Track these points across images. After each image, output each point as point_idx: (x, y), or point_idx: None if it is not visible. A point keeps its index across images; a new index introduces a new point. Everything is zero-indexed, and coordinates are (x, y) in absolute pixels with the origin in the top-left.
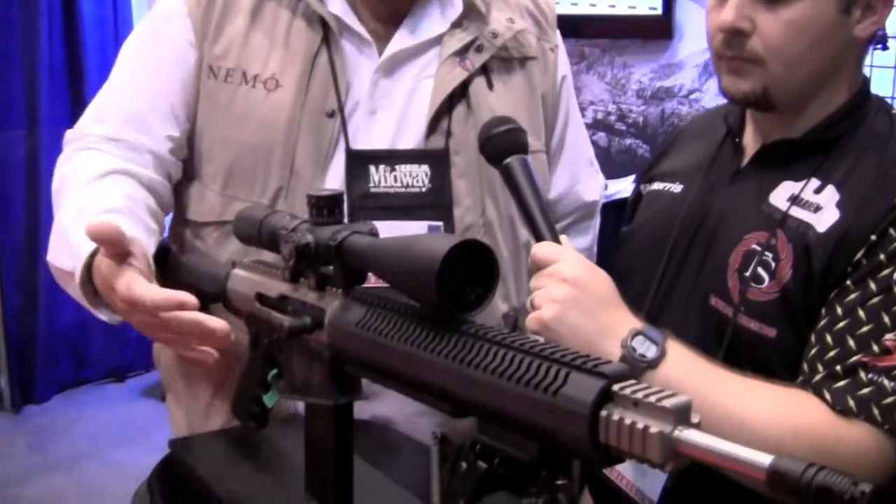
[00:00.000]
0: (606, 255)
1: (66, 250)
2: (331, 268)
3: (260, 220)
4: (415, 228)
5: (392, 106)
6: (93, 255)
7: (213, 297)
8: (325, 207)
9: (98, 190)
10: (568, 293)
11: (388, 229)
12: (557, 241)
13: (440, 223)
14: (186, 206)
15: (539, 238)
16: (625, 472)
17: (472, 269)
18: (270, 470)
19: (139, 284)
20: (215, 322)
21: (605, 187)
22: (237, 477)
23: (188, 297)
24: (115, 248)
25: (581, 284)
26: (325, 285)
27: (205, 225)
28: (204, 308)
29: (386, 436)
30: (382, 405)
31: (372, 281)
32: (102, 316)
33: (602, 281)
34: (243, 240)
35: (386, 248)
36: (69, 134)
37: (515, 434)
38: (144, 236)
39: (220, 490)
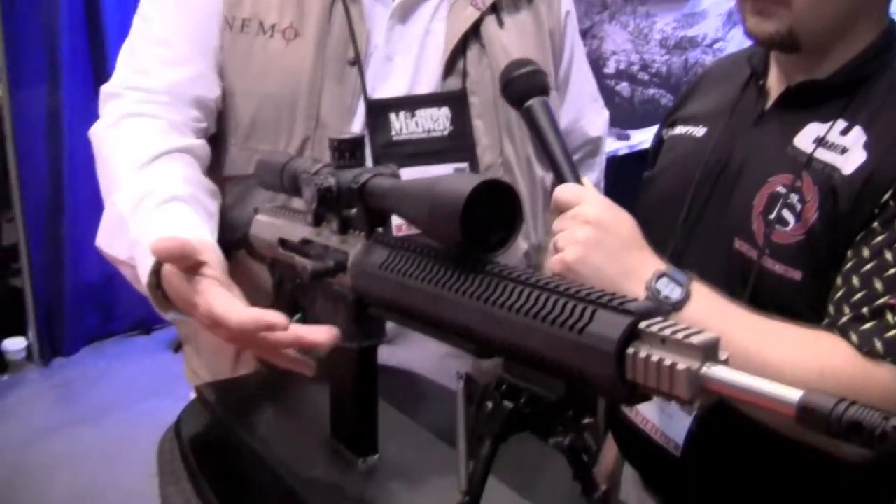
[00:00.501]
0: (630, 208)
1: (124, 240)
2: (353, 211)
3: (282, 165)
4: (440, 173)
5: (408, 51)
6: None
7: (235, 243)
8: (346, 150)
9: (156, 174)
10: (591, 235)
11: (414, 176)
12: (580, 182)
13: (465, 164)
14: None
15: (561, 180)
16: (649, 416)
17: (496, 209)
18: (297, 415)
19: (220, 303)
20: (319, 334)
21: (626, 136)
22: (264, 421)
23: (277, 318)
24: (186, 261)
25: (604, 226)
26: (347, 228)
27: (226, 180)
28: (227, 255)
29: (410, 380)
30: (406, 350)
31: (399, 231)
32: (171, 317)
33: (625, 222)
34: (265, 186)
35: (409, 188)
36: (109, 88)
37: (541, 373)
38: (207, 224)
39: (246, 435)
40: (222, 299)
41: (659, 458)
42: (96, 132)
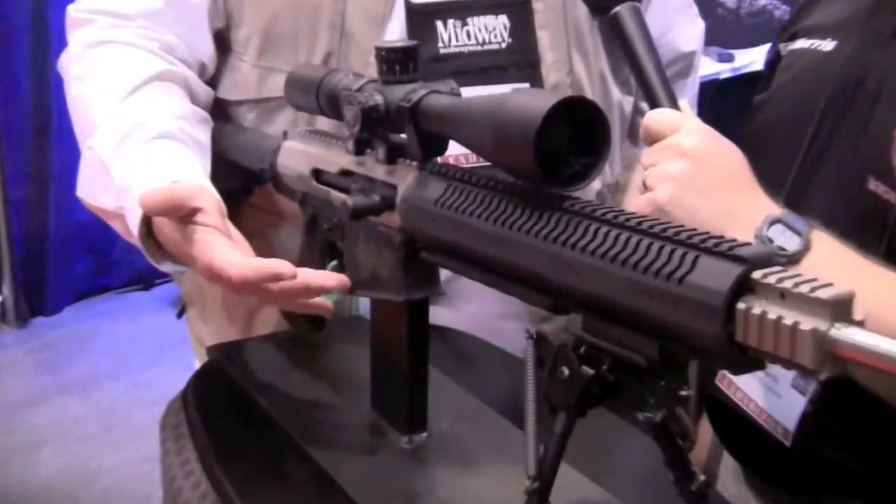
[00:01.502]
0: (734, 142)
1: (108, 189)
2: (404, 135)
3: (318, 80)
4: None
5: None
6: None
7: (259, 176)
8: (396, 62)
9: (137, 109)
10: (688, 169)
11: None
12: (676, 106)
13: (526, 85)
14: (215, 82)
15: (654, 104)
16: (752, 393)
17: (576, 134)
18: (327, 380)
19: (220, 253)
20: (328, 277)
21: (729, 56)
22: (287, 387)
23: (283, 266)
24: (178, 212)
25: (704, 159)
26: (396, 157)
27: (239, 104)
28: (247, 191)
29: (464, 342)
30: (456, 310)
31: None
32: (167, 268)
33: (731, 155)
34: (298, 106)
35: (472, 108)
36: (75, 13)
37: (630, 332)
38: (201, 162)
39: (268, 405)
40: (221, 249)
41: (763, 446)
42: (63, 66)
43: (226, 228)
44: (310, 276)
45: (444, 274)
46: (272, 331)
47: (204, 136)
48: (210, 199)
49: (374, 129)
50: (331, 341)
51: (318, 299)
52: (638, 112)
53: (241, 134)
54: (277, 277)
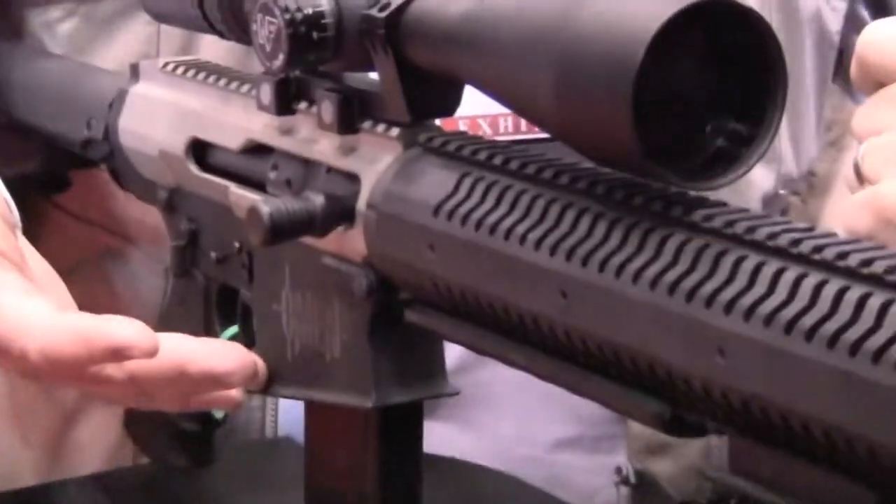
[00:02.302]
0: None
1: None
2: (373, 76)
3: None
4: None
5: None
6: None
7: (80, 154)
8: None
9: None
10: None
11: None
12: None
13: None
14: None
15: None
16: None
17: (717, 77)
18: None
19: (12, 304)
20: (225, 353)
21: None
22: None
23: (130, 329)
24: None
25: None
26: (357, 119)
27: (33, 4)
28: (55, 184)
29: (490, 487)
30: (483, 426)
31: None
32: None
33: None
34: (160, 13)
35: (510, 19)
36: None
37: (827, 475)
38: None
39: None
40: (10, 295)
41: None
42: None
43: (17, 254)
44: (188, 349)
45: (455, 359)
46: (105, 463)
47: None
48: None
49: (312, 62)
50: (224, 489)
51: (223, 394)
52: (854, 29)
53: (42, 68)
54: (120, 352)
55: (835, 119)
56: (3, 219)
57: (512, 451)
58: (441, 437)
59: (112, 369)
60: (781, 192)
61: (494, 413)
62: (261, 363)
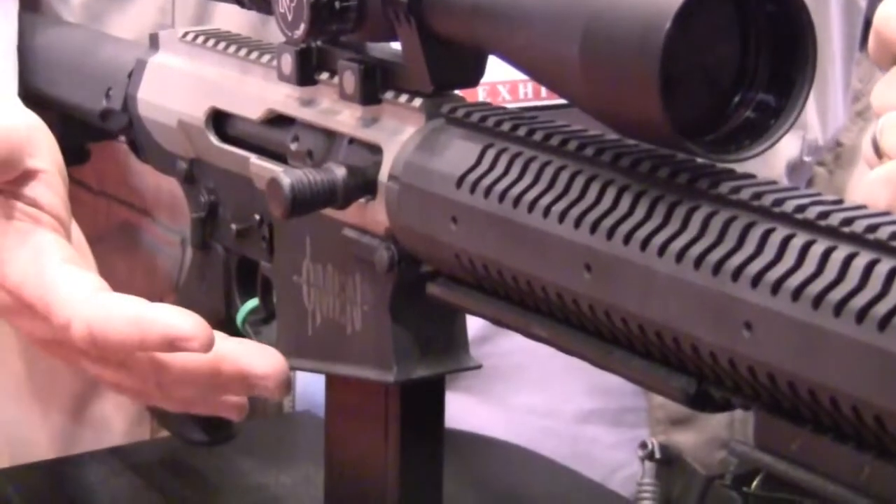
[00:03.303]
0: None
1: None
2: (395, 45)
3: None
4: None
5: None
6: None
7: (98, 125)
8: None
9: None
10: None
11: None
12: None
13: None
14: None
15: None
16: None
17: (745, 46)
18: None
19: (60, 278)
20: (261, 358)
21: None
22: None
23: (187, 322)
24: (8, 173)
25: None
26: (380, 90)
27: None
28: (76, 156)
29: (514, 462)
30: (504, 399)
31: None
32: None
33: None
34: None
35: None
36: None
37: (855, 453)
38: (14, 82)
39: None
40: (60, 265)
41: None
42: None
43: (69, 222)
44: (226, 347)
45: (476, 329)
46: (123, 437)
47: (6, 21)
48: (47, 151)
49: (334, 32)
50: (243, 464)
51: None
52: None
53: (61, 37)
54: (176, 343)
55: (863, 90)
56: (60, 171)
57: (532, 423)
58: (460, 409)
59: (144, 357)
60: (807, 159)
61: (515, 384)
62: (283, 363)
